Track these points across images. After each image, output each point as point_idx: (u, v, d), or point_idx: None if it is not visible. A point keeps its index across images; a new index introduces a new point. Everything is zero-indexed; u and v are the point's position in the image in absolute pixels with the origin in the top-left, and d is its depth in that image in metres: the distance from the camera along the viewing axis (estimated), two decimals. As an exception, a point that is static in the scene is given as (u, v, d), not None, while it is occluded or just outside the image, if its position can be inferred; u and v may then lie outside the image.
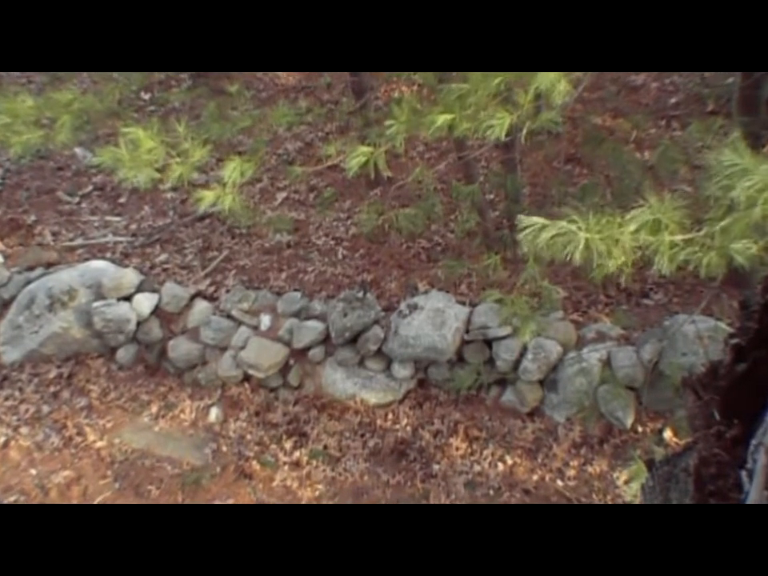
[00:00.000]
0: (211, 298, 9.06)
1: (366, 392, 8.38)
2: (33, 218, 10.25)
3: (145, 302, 8.87)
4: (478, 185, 7.88)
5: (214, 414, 8.50)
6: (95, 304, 8.82)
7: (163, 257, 9.70)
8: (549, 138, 9.15)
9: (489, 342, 8.13)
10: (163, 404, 8.63)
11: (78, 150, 10.96)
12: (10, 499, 7.68)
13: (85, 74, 9.90)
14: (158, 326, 8.90)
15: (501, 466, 7.78)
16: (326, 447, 8.10)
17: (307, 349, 8.50)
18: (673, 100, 10.47)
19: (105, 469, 8.04)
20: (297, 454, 8.05)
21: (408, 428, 8.18)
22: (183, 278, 9.33)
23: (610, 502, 7.35)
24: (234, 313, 8.73)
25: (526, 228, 3.25)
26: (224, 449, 8.18)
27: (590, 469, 7.61)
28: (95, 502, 7.67)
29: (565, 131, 9.65)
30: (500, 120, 3.90)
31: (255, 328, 8.66)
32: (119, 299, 8.86)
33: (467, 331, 8.17)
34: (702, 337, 7.04)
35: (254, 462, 8.00)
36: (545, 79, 3.85)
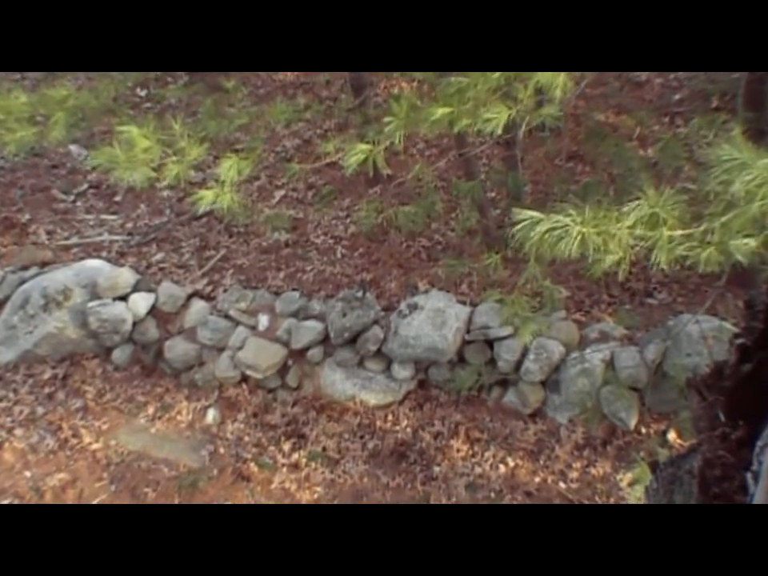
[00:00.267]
0: (208, 298, 9.05)
1: (365, 393, 8.37)
2: (27, 216, 10.24)
3: (141, 302, 8.86)
4: (478, 182, 7.88)
5: (211, 415, 8.50)
6: (90, 304, 8.81)
7: (160, 256, 9.69)
8: (551, 134, 9.15)
9: (490, 343, 8.13)
10: (160, 405, 8.62)
11: (72, 148, 10.96)
12: (4, 502, 7.68)
13: (80, 70, 9.88)
14: (155, 326, 8.89)
15: (502, 468, 7.78)
16: (324, 449, 8.09)
17: (306, 349, 8.49)
18: (677, 96, 10.46)
19: (100, 471, 8.03)
20: (295, 455, 8.05)
21: (408, 429, 8.17)
22: (180, 277, 9.33)
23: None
24: (231, 313, 8.73)
25: (520, 222, 3.25)
26: (221, 451, 8.18)
27: (592, 471, 7.60)
28: (91, 505, 7.67)
29: (567, 128, 9.64)
30: (498, 114, 3.90)
31: (253, 328, 8.66)
32: (115, 299, 8.85)
33: (468, 331, 8.16)
34: (706, 337, 7.03)
35: (252, 464, 8.00)
36: (544, 74, 3.85)
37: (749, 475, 2.67)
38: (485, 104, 3.95)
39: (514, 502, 7.50)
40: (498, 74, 3.88)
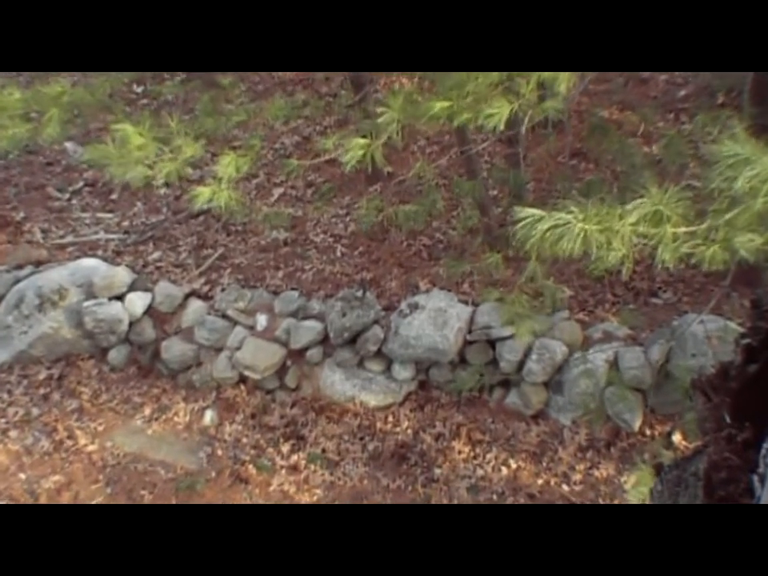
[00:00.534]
0: (206, 298, 9.05)
1: (365, 394, 8.37)
2: (22, 214, 10.24)
3: (137, 302, 8.86)
4: (480, 180, 7.87)
5: (208, 416, 8.49)
6: (86, 303, 8.81)
7: (156, 255, 9.69)
8: (554, 131, 9.14)
9: (492, 343, 8.12)
10: (156, 406, 8.62)
11: (68, 145, 10.95)
12: (-1, 505, 7.68)
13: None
14: (151, 326, 8.89)
15: (504, 470, 7.77)
16: (324, 451, 8.09)
17: (305, 349, 8.49)
18: (682, 92, 10.45)
19: (96, 473, 8.03)
20: (294, 457, 8.04)
21: (409, 431, 8.17)
22: (177, 276, 9.32)
23: (617, 507, 7.35)
24: (229, 312, 8.72)
25: (522, 220, 3.24)
26: (219, 453, 8.17)
27: (596, 473, 7.60)
28: (86, 508, 7.67)
29: (570, 125, 9.62)
30: (499, 108, 3.88)
31: (251, 328, 8.65)
32: (111, 298, 8.85)
33: (470, 331, 8.16)
34: (710, 337, 7.02)
35: (250, 467, 8.00)
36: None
37: (755, 478, 2.66)
38: (485, 98, 3.94)
39: (517, 505, 7.50)
40: (499, 69, 3.87)
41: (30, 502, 7.73)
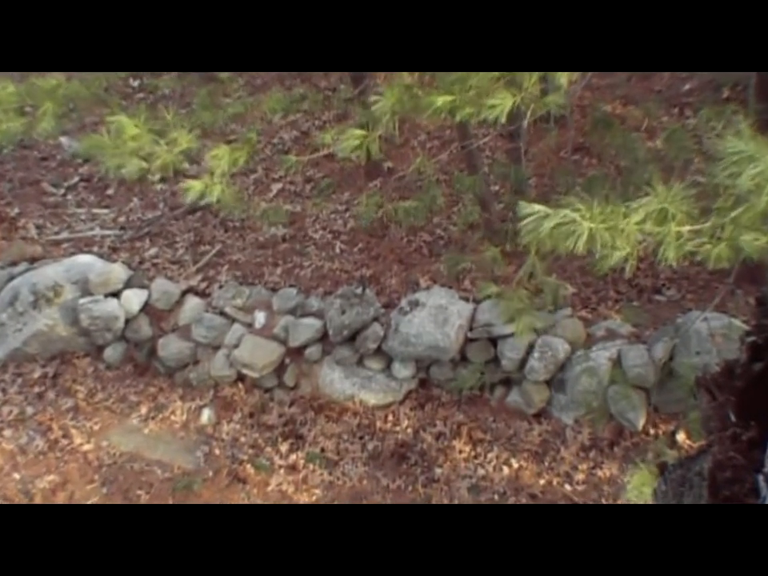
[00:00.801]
0: (203, 295, 9.05)
1: (365, 392, 8.37)
2: (16, 210, 10.23)
3: (134, 299, 8.85)
4: (480, 176, 7.87)
5: (206, 415, 8.49)
6: (82, 300, 8.80)
7: (153, 251, 9.68)
8: (556, 126, 9.13)
9: (493, 341, 8.12)
10: (153, 405, 8.62)
11: (63, 140, 10.94)
12: (-7, 505, 7.68)
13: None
14: (148, 323, 8.88)
15: (506, 469, 7.77)
16: (323, 450, 8.09)
17: (304, 347, 8.49)
18: (686, 86, 10.44)
19: (92, 473, 8.03)
20: (293, 457, 8.04)
21: (409, 430, 8.17)
22: (174, 273, 9.32)
23: (620, 508, 7.35)
24: (227, 310, 8.72)
25: (527, 217, 3.23)
26: (217, 452, 8.17)
27: (599, 473, 7.60)
28: (82, 508, 7.67)
29: (573, 120, 9.62)
30: (502, 101, 3.88)
31: (249, 326, 8.65)
32: (107, 295, 8.84)
33: (471, 329, 8.15)
34: (714, 334, 7.02)
35: (248, 466, 8.00)
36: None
37: (760, 477, 2.66)
38: (488, 92, 3.93)
39: (518, 505, 7.50)
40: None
41: (25, 501, 7.73)
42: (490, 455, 7.88)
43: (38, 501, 7.74)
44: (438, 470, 7.83)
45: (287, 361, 8.56)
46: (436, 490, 7.69)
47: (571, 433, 7.88)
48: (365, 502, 7.64)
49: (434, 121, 10.14)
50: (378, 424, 8.24)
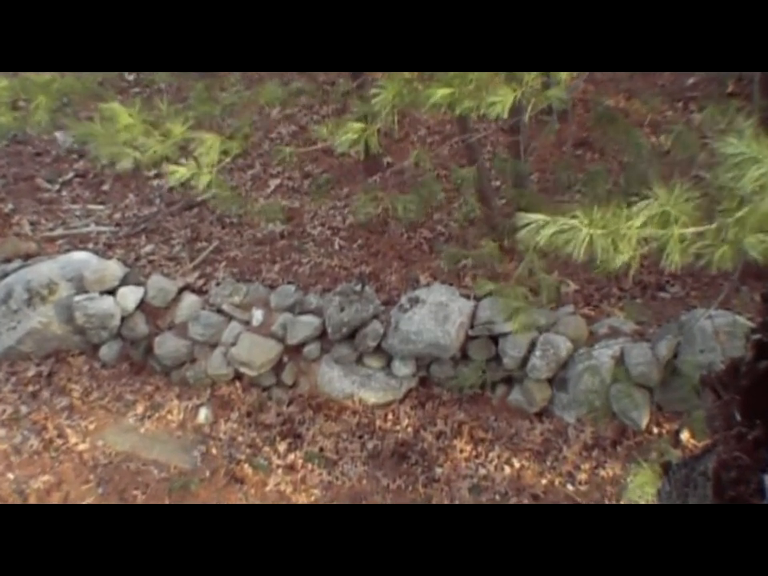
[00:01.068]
0: (200, 292, 9.04)
1: (364, 391, 8.36)
2: (10, 206, 10.23)
3: (129, 296, 8.84)
4: (476, 169, 7.85)
5: (203, 414, 8.49)
6: (77, 298, 8.80)
7: (149, 248, 9.68)
8: (558, 120, 9.13)
9: (495, 338, 8.12)
10: (149, 404, 8.61)
11: (58, 135, 10.94)
12: (-13, 505, 7.68)
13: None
14: (144, 321, 8.87)
15: (507, 469, 7.77)
16: (322, 450, 8.09)
17: (302, 345, 8.48)
18: (690, 80, 10.43)
19: (87, 473, 8.02)
20: (291, 456, 8.04)
21: (409, 429, 8.17)
22: (170, 270, 9.31)
23: (623, 508, 7.34)
24: (224, 307, 8.71)
25: (526, 226, 3.24)
26: (214, 451, 8.17)
27: (602, 472, 7.60)
28: (77, 508, 7.66)
29: (575, 114, 9.61)
30: (502, 96, 3.87)
31: (247, 323, 8.64)
32: (102, 293, 8.84)
33: (472, 326, 8.15)
34: (718, 332, 7.02)
35: (246, 466, 7.99)
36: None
37: (766, 477, 2.66)
38: (487, 86, 3.92)
39: (520, 505, 7.50)
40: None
41: (19, 502, 7.72)
42: (491, 455, 7.88)
43: (32, 501, 7.74)
44: (439, 470, 7.83)
45: (285, 359, 8.56)
46: (436, 490, 7.69)
47: (573, 432, 7.88)
48: (364, 502, 7.64)
49: (434, 115, 10.15)
50: (378, 423, 8.23)
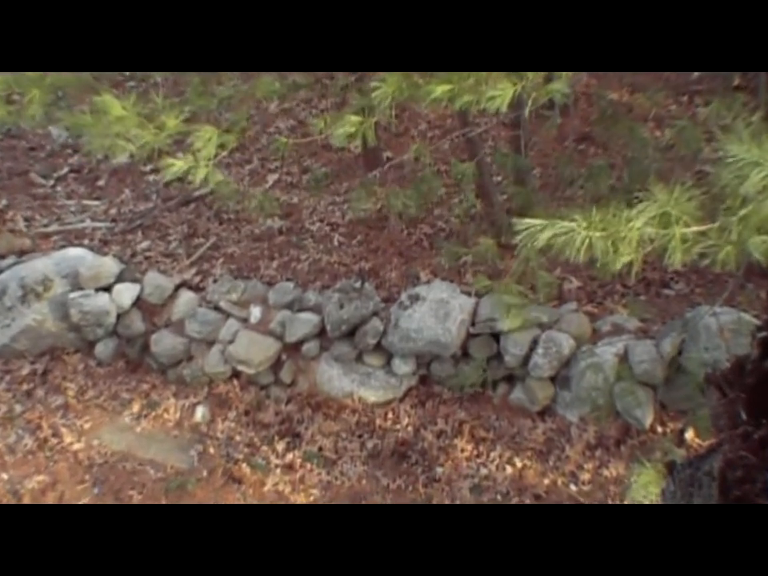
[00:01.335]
0: (197, 289, 9.04)
1: (364, 389, 8.36)
2: (4, 202, 10.23)
3: (125, 293, 8.84)
4: (477, 164, 7.84)
5: (200, 413, 8.49)
6: (72, 295, 8.80)
7: (145, 244, 9.68)
8: (561, 115, 9.13)
9: (496, 336, 8.11)
10: (145, 403, 8.61)
11: (52, 129, 10.93)
12: (-19, 505, 7.68)
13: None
14: (140, 318, 8.88)
15: (509, 469, 7.77)
16: (321, 449, 8.09)
17: (301, 343, 8.48)
18: (696, 74, 10.42)
19: (82, 473, 8.02)
20: (290, 456, 8.04)
21: (409, 428, 8.16)
22: (167, 266, 9.31)
23: (626, 508, 7.34)
24: (221, 304, 8.71)
25: (524, 230, 3.24)
26: (211, 451, 8.17)
27: (605, 472, 7.59)
28: (72, 509, 7.66)
29: (578, 108, 9.61)
30: (502, 91, 3.86)
31: (245, 321, 8.64)
32: (98, 290, 8.83)
33: (473, 324, 8.15)
34: (722, 329, 7.01)
35: (244, 465, 7.99)
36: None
37: (772, 477, 2.66)
38: (487, 80, 3.91)
39: (522, 505, 7.50)
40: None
41: (13, 502, 7.72)
42: (492, 454, 7.88)
43: (26, 502, 7.74)
44: (439, 470, 7.83)
45: (284, 357, 8.56)
46: (437, 490, 7.69)
47: (576, 431, 7.88)
48: (364, 503, 7.64)
49: (434, 109, 10.14)
50: (378, 422, 8.23)
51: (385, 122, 4.65)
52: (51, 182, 10.57)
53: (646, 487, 3.91)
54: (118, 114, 4.46)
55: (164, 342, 8.74)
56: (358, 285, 8.42)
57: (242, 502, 7.68)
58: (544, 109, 8.77)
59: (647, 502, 3.91)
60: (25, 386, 8.75)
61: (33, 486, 7.87)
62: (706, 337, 7.38)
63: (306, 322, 8.42)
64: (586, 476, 7.60)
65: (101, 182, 10.54)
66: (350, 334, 8.35)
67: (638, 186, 5.87)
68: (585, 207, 3.31)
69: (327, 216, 9.74)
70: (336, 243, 9.41)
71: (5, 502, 7.73)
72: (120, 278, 8.96)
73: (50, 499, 7.77)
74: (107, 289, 8.87)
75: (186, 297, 8.90)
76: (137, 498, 7.78)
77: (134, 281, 8.97)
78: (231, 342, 8.54)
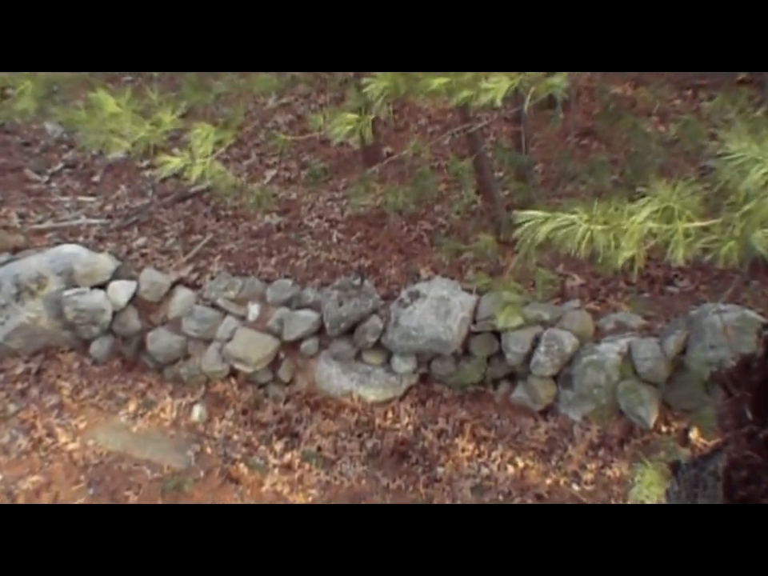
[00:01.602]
0: (194, 286, 9.04)
1: (363, 388, 8.36)
2: (-3, 198, 10.23)
3: (121, 290, 8.84)
4: (476, 159, 7.84)
5: (197, 412, 8.49)
6: (67, 292, 8.79)
7: (141, 241, 9.68)
8: (563, 109, 9.12)
9: (497, 334, 8.10)
10: (142, 402, 8.61)
11: (47, 125, 10.93)
12: (-25, 506, 7.68)
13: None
14: (136, 316, 8.87)
15: (511, 468, 7.77)
16: (319, 449, 8.09)
17: (299, 341, 8.48)
18: (700, 68, 10.40)
19: (77, 473, 8.02)
20: (288, 456, 8.04)
21: (409, 427, 8.17)
22: (163, 263, 9.31)
23: (630, 508, 7.34)
24: (219, 302, 8.71)
25: (524, 223, 3.24)
26: (208, 451, 8.17)
27: (608, 472, 7.60)
28: (67, 509, 7.66)
29: (580, 103, 9.60)
30: (496, 84, 3.85)
31: (242, 318, 8.64)
32: (93, 287, 8.83)
33: (474, 321, 8.15)
34: (726, 327, 7.01)
35: (242, 465, 7.99)
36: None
37: (778, 477, 2.66)
38: (486, 75, 3.91)
39: (524, 506, 7.50)
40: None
41: (7, 503, 7.72)
42: (494, 454, 7.88)
43: (21, 502, 7.74)
44: (440, 470, 7.84)
45: (282, 355, 8.56)
46: (438, 490, 7.69)
47: (579, 430, 7.88)
48: (363, 503, 7.64)
49: (435, 104, 10.14)
50: (377, 421, 8.23)
51: (384, 118, 4.64)
52: (46, 178, 10.57)
53: (650, 487, 3.91)
54: (111, 109, 4.46)
55: (160, 341, 8.74)
56: (357, 282, 8.42)
57: (239, 503, 7.69)
58: (545, 105, 8.78)
59: (651, 503, 3.91)
60: (19, 385, 8.74)
61: (27, 487, 7.87)
62: (710, 334, 7.38)
63: (305, 319, 8.42)
64: (588, 476, 7.60)
65: (96, 178, 10.54)
66: (350, 331, 8.35)
67: (640, 181, 5.86)
68: (587, 202, 3.31)
69: (326, 212, 9.74)
70: (335, 240, 9.42)
71: (-1, 502, 7.75)
72: (115, 276, 8.95)
73: (45, 500, 7.77)
74: (103, 286, 8.86)
75: (183, 294, 8.90)
76: (133, 499, 7.78)
77: (130, 278, 8.96)
78: (229, 340, 8.54)
